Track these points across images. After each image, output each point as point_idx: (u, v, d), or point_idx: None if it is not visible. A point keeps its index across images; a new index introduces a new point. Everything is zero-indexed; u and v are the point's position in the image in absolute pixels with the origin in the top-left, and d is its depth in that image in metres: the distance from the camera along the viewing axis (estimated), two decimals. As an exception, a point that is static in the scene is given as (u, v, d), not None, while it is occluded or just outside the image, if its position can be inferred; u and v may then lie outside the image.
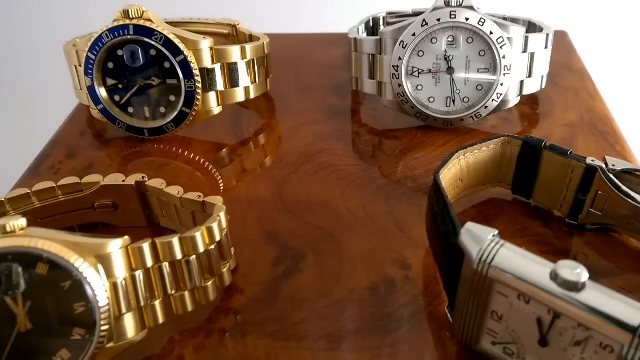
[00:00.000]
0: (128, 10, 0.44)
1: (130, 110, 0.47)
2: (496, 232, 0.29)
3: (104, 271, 0.30)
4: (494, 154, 0.39)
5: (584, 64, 0.58)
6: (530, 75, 0.48)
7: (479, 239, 0.29)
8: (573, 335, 0.27)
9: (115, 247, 0.30)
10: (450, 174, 0.37)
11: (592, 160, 0.36)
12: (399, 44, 0.45)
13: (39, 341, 0.29)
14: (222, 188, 0.44)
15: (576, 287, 0.26)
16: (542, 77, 0.49)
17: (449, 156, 0.37)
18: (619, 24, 0.81)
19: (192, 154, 0.48)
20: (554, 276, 0.27)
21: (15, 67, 0.87)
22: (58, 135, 0.51)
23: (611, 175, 0.36)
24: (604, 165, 0.36)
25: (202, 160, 0.47)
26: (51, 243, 0.29)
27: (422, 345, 0.32)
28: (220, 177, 0.46)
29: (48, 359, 0.29)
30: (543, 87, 0.50)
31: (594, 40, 0.68)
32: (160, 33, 0.44)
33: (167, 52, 0.44)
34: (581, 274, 0.26)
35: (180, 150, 0.48)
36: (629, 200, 0.36)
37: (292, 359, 0.31)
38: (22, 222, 0.29)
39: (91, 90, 0.46)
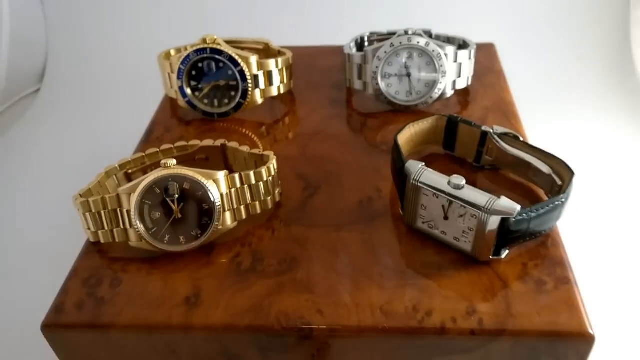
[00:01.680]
0: (206, 39, 0.67)
1: (205, 101, 0.69)
2: (423, 163, 0.53)
3: (217, 187, 0.52)
4: (431, 125, 0.60)
5: (502, 67, 0.79)
6: (459, 77, 0.68)
7: (414, 167, 0.53)
8: (458, 212, 0.49)
9: (222, 175, 0.51)
10: (405, 137, 0.60)
11: (485, 127, 0.60)
12: (376, 58, 0.67)
13: (184, 223, 0.51)
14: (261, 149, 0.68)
15: (459, 187, 0.49)
16: (468, 77, 0.70)
17: (404, 126, 0.60)
18: (535, 38, 1.07)
19: (245, 129, 0.70)
20: (449, 183, 0.51)
21: (111, 71, 1.12)
22: (155, 118, 0.73)
23: (495, 136, 0.60)
24: (491, 130, 0.59)
25: (251, 133, 0.70)
26: (191, 172, 0.51)
27: (388, 227, 0.54)
28: (261, 143, 0.69)
29: (189, 232, 0.51)
30: (469, 84, 0.71)
31: (515, 50, 0.92)
32: (227, 53, 0.66)
33: (230, 65, 0.66)
34: (462, 181, 0.50)
35: (237, 127, 0.70)
36: (505, 151, 0.58)
37: (317, 236, 0.53)
38: (174, 161, 0.53)
39: (181, 89, 0.70)
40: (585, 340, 0.45)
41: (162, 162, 0.52)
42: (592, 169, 0.84)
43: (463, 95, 0.74)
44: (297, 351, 0.48)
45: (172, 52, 0.74)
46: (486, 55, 0.82)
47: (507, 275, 0.50)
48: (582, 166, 0.68)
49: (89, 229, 0.54)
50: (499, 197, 0.48)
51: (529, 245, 0.52)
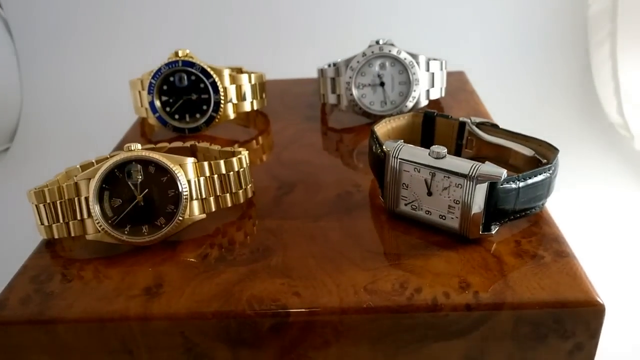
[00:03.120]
0: (178, 52, 0.65)
1: (176, 116, 0.66)
2: (402, 140, 0.49)
3: (184, 173, 0.47)
4: (408, 122, 0.57)
5: (474, 87, 0.79)
6: (433, 86, 0.67)
7: (392, 145, 0.49)
8: (442, 184, 0.45)
9: (190, 161, 0.47)
10: (382, 131, 0.56)
11: (462, 118, 0.57)
12: (349, 68, 0.65)
13: (147, 211, 0.46)
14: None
15: (440, 156, 0.45)
16: (441, 88, 0.68)
17: (381, 119, 0.56)
18: (499, 65, 1.10)
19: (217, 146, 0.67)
20: (430, 152, 0.46)
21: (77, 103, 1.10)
22: (125, 137, 0.69)
23: (473, 126, 0.57)
24: (469, 120, 0.57)
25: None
26: (157, 155, 0.47)
27: (368, 216, 0.49)
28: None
29: (152, 222, 0.46)
30: (443, 95, 0.69)
31: (485, 76, 0.92)
32: (199, 64, 0.64)
33: (202, 77, 0.63)
34: (443, 150, 0.46)
35: (209, 143, 0.68)
36: (485, 140, 0.54)
37: (293, 226, 0.48)
38: (139, 145, 0.48)
39: (151, 104, 0.66)
40: (594, 310, 0.40)
41: (126, 145, 0.47)
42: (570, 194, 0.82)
43: (437, 107, 0.72)
44: (272, 345, 0.41)
45: (145, 79, 0.72)
46: (457, 81, 0.81)
47: (500, 251, 0.45)
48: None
49: (42, 224, 0.47)
50: (483, 162, 0.44)
51: (520, 225, 0.48)
